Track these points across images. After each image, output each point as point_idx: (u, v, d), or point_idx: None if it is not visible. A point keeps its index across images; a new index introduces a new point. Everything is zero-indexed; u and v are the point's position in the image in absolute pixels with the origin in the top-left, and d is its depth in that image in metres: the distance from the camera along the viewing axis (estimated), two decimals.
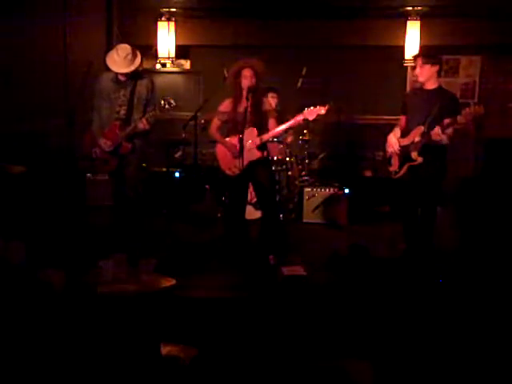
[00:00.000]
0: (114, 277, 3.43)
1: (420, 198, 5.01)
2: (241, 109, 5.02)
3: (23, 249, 3.82)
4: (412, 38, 7.30)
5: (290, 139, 6.86)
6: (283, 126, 5.05)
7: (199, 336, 3.67)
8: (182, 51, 7.93)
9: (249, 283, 4.62)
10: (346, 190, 6.67)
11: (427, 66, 4.90)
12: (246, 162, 4.96)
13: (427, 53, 5.09)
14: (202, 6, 7.75)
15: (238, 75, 5.04)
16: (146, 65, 8.02)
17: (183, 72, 8.10)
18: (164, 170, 7.05)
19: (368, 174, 7.09)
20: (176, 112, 7.20)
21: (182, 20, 7.79)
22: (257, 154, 5.07)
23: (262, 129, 5.08)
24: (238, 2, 7.62)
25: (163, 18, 7.66)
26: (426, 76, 4.93)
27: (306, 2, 7.45)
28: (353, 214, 6.65)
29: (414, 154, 4.86)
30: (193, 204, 6.95)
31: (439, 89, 4.94)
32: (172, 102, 4.95)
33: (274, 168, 6.68)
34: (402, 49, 7.33)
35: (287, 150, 6.77)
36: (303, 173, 7.08)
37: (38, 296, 3.38)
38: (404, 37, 7.34)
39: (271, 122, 5.13)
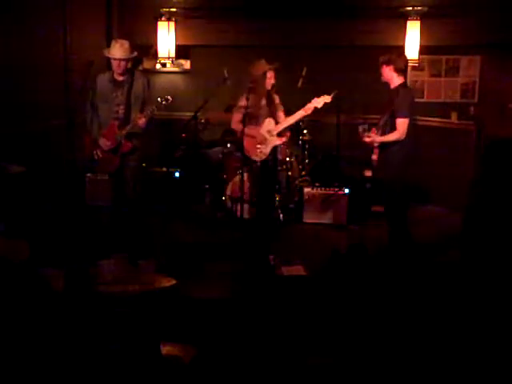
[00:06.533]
0: (114, 277, 3.43)
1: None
2: (261, 103, 5.78)
3: (27, 247, 3.82)
4: (412, 38, 7.29)
5: (288, 134, 6.84)
6: (297, 116, 5.75)
7: (199, 336, 3.67)
8: (182, 51, 7.92)
9: (249, 283, 4.62)
10: (346, 190, 6.67)
11: (383, 67, 5.13)
12: (269, 148, 5.85)
13: (384, 55, 5.29)
14: (202, 5, 7.74)
15: (263, 76, 5.78)
16: (146, 65, 8.02)
17: (183, 72, 8.10)
18: (164, 169, 7.05)
19: (368, 173, 7.08)
20: (176, 112, 7.21)
21: (182, 20, 7.78)
22: (277, 141, 5.89)
23: (275, 120, 5.92)
24: (238, 1, 7.62)
25: (163, 18, 7.65)
26: (385, 77, 5.15)
27: (306, 2, 7.46)
28: (353, 214, 6.65)
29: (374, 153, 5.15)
30: (193, 204, 6.95)
31: (397, 87, 5.10)
32: (169, 97, 5.07)
33: None
34: (402, 49, 7.31)
35: (287, 150, 6.77)
36: (303, 173, 7.08)
37: (40, 294, 3.38)
38: (404, 37, 7.33)
39: (280, 113, 6.01)
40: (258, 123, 5.80)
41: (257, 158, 5.88)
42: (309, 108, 5.64)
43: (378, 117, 5.18)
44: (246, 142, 5.82)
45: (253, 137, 5.80)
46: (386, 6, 7.42)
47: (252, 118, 5.76)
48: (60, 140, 5.39)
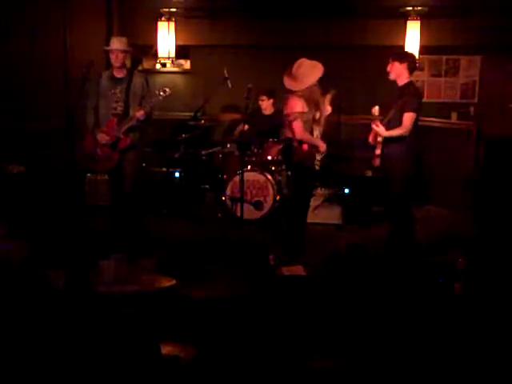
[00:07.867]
0: (114, 277, 3.43)
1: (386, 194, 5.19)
2: (313, 109, 5.14)
3: (26, 249, 3.82)
4: (412, 38, 7.30)
5: None
6: (324, 120, 5.27)
7: (199, 336, 3.67)
8: (181, 51, 7.92)
9: (249, 283, 4.62)
10: (346, 190, 6.66)
11: (396, 64, 5.00)
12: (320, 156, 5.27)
13: (397, 51, 5.18)
14: (202, 5, 7.74)
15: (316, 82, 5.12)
16: (146, 65, 8.02)
17: (183, 72, 8.09)
18: (164, 169, 7.05)
19: (368, 173, 7.08)
20: (176, 112, 7.21)
21: (182, 20, 7.79)
22: (322, 148, 5.26)
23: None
24: (239, 2, 7.63)
25: (163, 18, 7.65)
26: (395, 73, 5.03)
27: (306, 1, 7.45)
28: (353, 214, 6.64)
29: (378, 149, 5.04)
30: (193, 204, 6.95)
31: (407, 84, 5.02)
32: (166, 89, 5.10)
33: (273, 168, 6.69)
34: (402, 49, 7.31)
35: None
36: None
37: (40, 295, 3.38)
38: (404, 37, 7.33)
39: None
40: (309, 130, 5.21)
41: (317, 168, 5.33)
42: (327, 110, 5.29)
43: (378, 117, 5.15)
44: (308, 152, 5.21)
45: (314, 146, 5.23)
46: (386, 6, 7.42)
47: (308, 124, 5.22)
48: (60, 140, 5.41)
